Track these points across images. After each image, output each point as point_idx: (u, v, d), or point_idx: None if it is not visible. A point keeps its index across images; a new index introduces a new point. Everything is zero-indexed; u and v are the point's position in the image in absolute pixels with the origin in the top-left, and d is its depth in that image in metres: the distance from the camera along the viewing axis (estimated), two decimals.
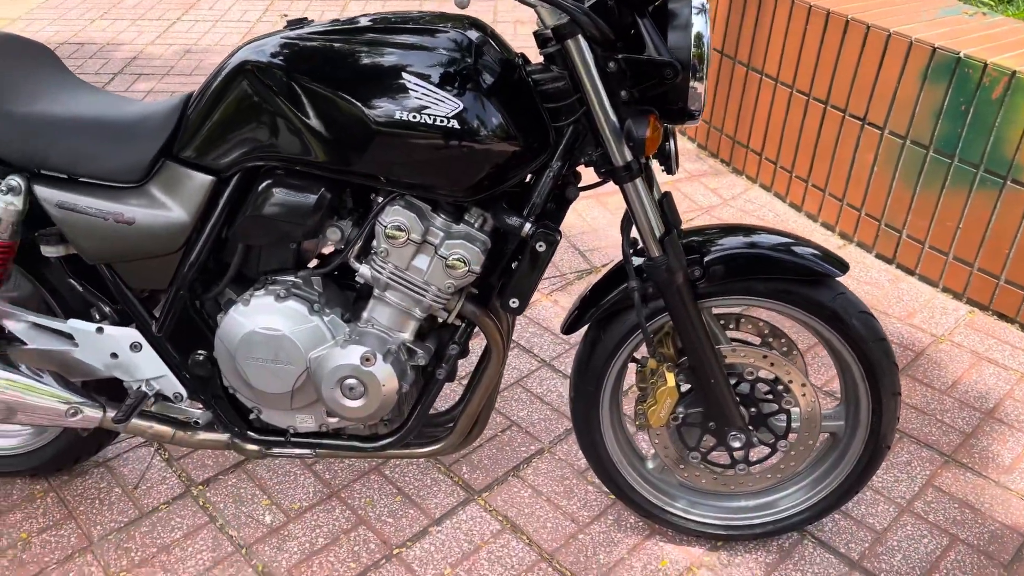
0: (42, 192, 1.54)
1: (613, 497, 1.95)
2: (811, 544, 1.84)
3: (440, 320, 1.59)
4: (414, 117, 1.37)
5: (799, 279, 1.56)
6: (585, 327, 1.66)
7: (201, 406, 1.70)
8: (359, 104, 1.38)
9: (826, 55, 2.85)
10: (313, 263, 1.66)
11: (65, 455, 1.90)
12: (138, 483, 1.98)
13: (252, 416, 1.71)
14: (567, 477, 2.02)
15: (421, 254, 1.50)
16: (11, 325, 1.62)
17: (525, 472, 2.03)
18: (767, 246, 1.56)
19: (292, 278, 1.57)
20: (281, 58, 1.43)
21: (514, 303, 1.54)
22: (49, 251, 1.61)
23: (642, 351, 1.72)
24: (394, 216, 1.46)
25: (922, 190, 2.67)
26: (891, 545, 1.85)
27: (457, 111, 1.36)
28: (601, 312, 1.62)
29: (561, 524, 1.90)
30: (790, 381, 1.63)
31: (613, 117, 1.41)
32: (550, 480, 2.01)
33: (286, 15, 5.32)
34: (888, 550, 1.84)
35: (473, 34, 1.43)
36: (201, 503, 1.93)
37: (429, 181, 1.42)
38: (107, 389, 1.74)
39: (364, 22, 1.47)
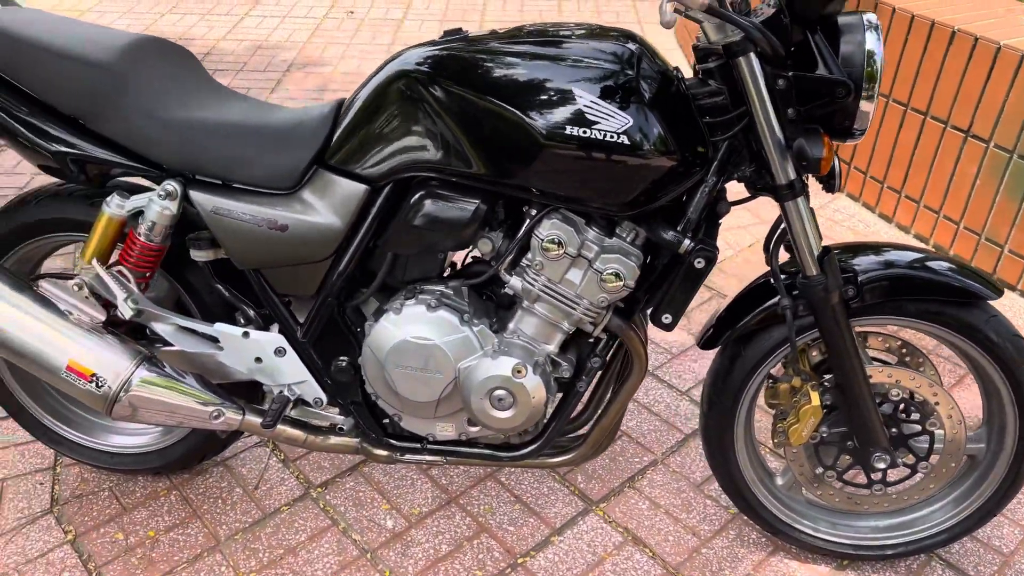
0: (198, 197, 1.55)
1: (733, 512, 1.94)
2: (939, 566, 1.82)
3: (586, 333, 1.58)
4: (584, 132, 1.36)
5: (952, 301, 1.54)
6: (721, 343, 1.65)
7: (338, 411, 1.71)
8: (528, 118, 1.38)
9: (928, 66, 2.81)
10: (445, 271, 1.66)
11: (193, 454, 1.92)
12: (257, 484, 2.00)
13: (386, 422, 1.72)
14: (683, 490, 2.01)
15: (575, 267, 1.49)
16: (158, 327, 1.64)
17: (641, 483, 2.02)
18: (922, 266, 1.54)
19: (441, 288, 1.58)
20: (444, 69, 1.43)
21: (667, 319, 1.53)
22: (199, 255, 1.63)
23: (778, 368, 1.70)
24: (551, 229, 1.46)
25: None
26: (1019, 568, 1.82)
27: (627, 126, 1.36)
28: (744, 328, 1.61)
29: (683, 538, 1.89)
30: (936, 403, 1.61)
31: (780, 135, 1.40)
32: (667, 492, 2.00)
33: (352, 11, 5.34)
34: (1016, 573, 1.81)
35: (633, 46, 1.42)
36: (322, 506, 1.95)
37: (591, 195, 1.42)
38: (239, 391, 1.76)
39: (523, 34, 1.47)
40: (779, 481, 1.81)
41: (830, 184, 1.49)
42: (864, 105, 1.38)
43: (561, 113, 1.37)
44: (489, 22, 5.20)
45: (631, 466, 2.07)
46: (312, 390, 1.68)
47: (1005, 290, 2.73)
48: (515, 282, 1.53)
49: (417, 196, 1.50)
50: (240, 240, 1.56)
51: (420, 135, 1.45)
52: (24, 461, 2.05)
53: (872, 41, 1.37)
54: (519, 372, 1.51)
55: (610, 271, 1.47)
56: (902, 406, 1.63)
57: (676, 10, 1.33)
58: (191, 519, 1.91)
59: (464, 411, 1.62)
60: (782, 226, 1.54)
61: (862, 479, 1.71)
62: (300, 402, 1.69)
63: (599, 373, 1.66)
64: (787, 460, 1.71)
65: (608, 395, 1.71)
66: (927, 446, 1.66)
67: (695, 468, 2.07)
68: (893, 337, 1.68)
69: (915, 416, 1.64)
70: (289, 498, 1.97)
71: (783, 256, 1.56)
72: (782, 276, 1.54)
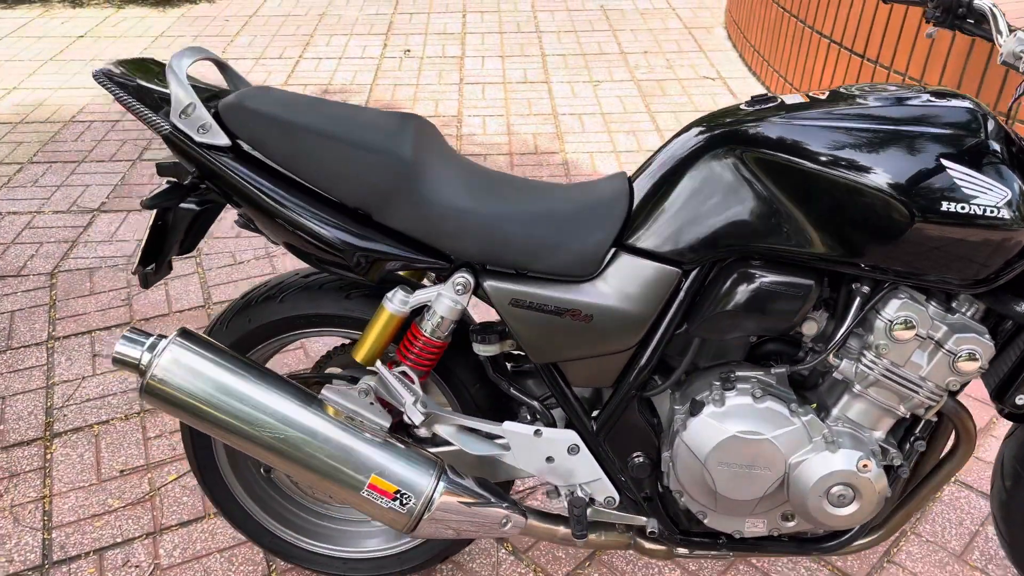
0: (493, 288, 1.42)
1: None
2: None
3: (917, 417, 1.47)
4: (963, 208, 1.26)
5: None
6: None
7: (636, 510, 1.58)
8: (892, 193, 1.26)
9: None
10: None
11: (436, 555, 1.77)
12: None
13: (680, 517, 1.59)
14: (946, 562, 1.89)
15: (919, 349, 1.38)
16: (442, 429, 1.50)
17: (899, 557, 1.91)
18: None
19: (759, 375, 1.46)
20: (775, 141, 1.32)
21: (1020, 399, 1.42)
22: (484, 350, 1.50)
23: None
24: (901, 310, 1.35)
25: None
26: None
27: (1007, 198, 1.25)
28: None
29: None
30: None
31: None
32: (930, 566, 1.88)
33: (409, 50, 5.23)
34: None
35: (974, 106, 1.32)
36: None
37: (949, 272, 1.31)
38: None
39: (850, 99, 1.36)
40: None
41: None
42: None
43: (934, 188, 1.26)
44: (549, 55, 5.11)
45: None
46: (604, 489, 1.54)
47: None
48: (846, 367, 1.41)
49: (737, 276, 1.38)
50: (540, 332, 1.43)
51: (747, 213, 1.34)
52: (235, 568, 1.88)
53: None
54: (864, 466, 1.39)
55: (965, 352, 1.35)
56: None
57: None
58: None
59: (782, 507, 1.49)
60: None
61: None
62: (592, 502, 1.56)
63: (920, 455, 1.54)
64: None
65: (919, 478, 1.59)
66: None
67: (949, 536, 1.95)
68: None
69: None
70: None
71: None
72: None
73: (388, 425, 1.47)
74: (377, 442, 1.43)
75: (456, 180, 1.44)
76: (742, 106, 1.44)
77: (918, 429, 1.48)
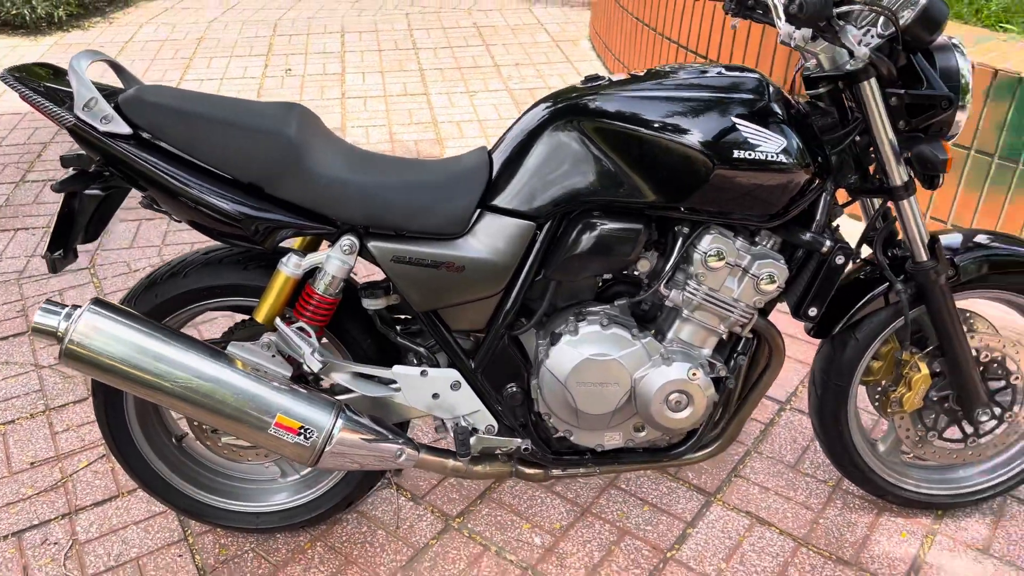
0: (377, 248, 1.65)
1: (831, 484, 2.17)
2: (1015, 503, 2.11)
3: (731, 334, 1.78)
4: (750, 155, 1.57)
5: None
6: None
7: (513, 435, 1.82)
8: (696, 147, 1.57)
9: None
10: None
11: (343, 502, 1.97)
12: (398, 524, 2.06)
13: (553, 438, 1.85)
14: (783, 472, 2.22)
15: (731, 276, 1.69)
16: (339, 376, 1.71)
17: (745, 471, 2.22)
18: (1007, 246, 1.83)
19: (605, 308, 1.73)
20: (606, 110, 1.61)
21: (812, 312, 1.75)
22: (373, 304, 1.72)
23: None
24: (712, 244, 1.65)
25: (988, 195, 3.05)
26: None
27: (784, 146, 1.58)
28: (859, 314, 1.84)
29: (799, 513, 2.10)
30: (1020, 360, 1.90)
31: (895, 144, 1.65)
32: (770, 476, 2.21)
33: (290, 69, 5.38)
34: None
35: (759, 76, 1.65)
36: (467, 534, 2.04)
37: (746, 210, 1.62)
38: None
39: (662, 76, 1.67)
40: (881, 448, 2.06)
41: (933, 181, 1.75)
42: (959, 115, 1.66)
43: (726, 140, 1.57)
44: (427, 70, 5.37)
45: (730, 458, 2.27)
46: (485, 418, 1.79)
47: None
48: (675, 295, 1.71)
49: (582, 226, 1.65)
50: (419, 284, 1.67)
51: (586, 172, 1.61)
52: (152, 537, 2.02)
53: (962, 60, 1.65)
54: (694, 375, 1.69)
55: (765, 275, 1.67)
56: (993, 366, 1.91)
57: (814, 37, 1.57)
58: (346, 567, 1.95)
59: (633, 419, 1.77)
60: (886, 222, 1.80)
61: (958, 435, 1.98)
62: (473, 431, 1.79)
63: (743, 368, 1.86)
64: (896, 426, 1.95)
65: (744, 390, 1.90)
66: (1010, 398, 1.95)
67: (785, 452, 2.29)
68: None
69: (999, 372, 1.92)
70: (433, 532, 2.04)
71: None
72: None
73: (289, 375, 1.67)
74: (281, 388, 1.63)
75: (338, 155, 1.66)
76: (578, 84, 1.72)
77: (739, 347, 1.80)
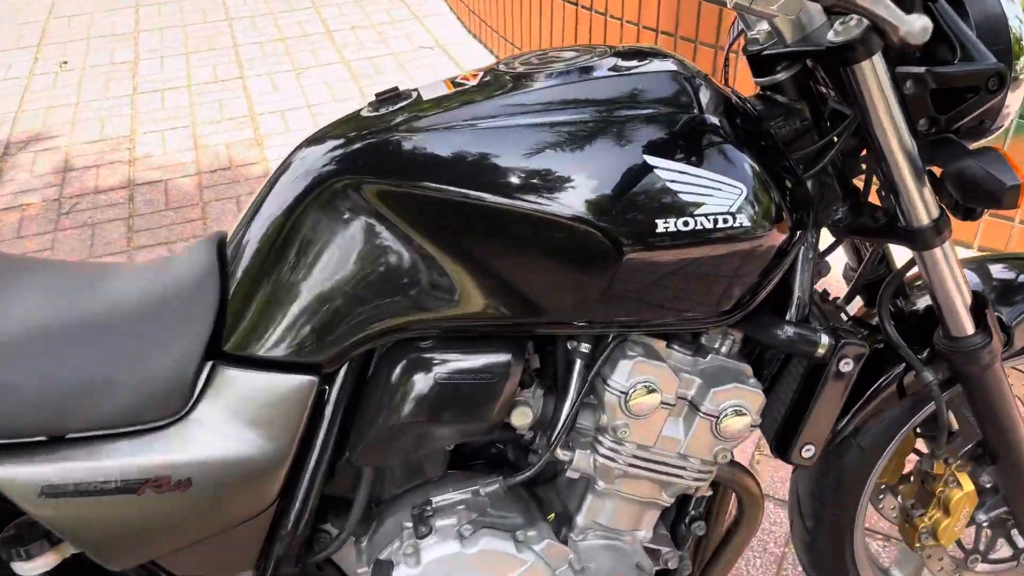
0: (8, 479, 0.85)
1: None
2: None
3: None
4: (686, 224, 0.84)
5: None
6: None
7: None
8: (588, 219, 0.83)
9: None
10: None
11: None
12: None
13: None
14: None
15: (671, 418, 0.98)
16: None
17: None
18: None
19: (462, 497, 1.00)
20: (401, 161, 0.86)
21: (808, 451, 1.05)
22: (30, 568, 0.91)
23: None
24: (635, 374, 0.93)
25: None
26: None
27: (740, 196, 0.86)
28: (861, 414, 1.17)
29: None
30: None
31: (917, 157, 0.95)
32: None
33: (66, 61, 4.31)
34: None
35: (675, 67, 0.92)
36: None
37: (686, 310, 0.91)
38: None
39: (515, 81, 0.91)
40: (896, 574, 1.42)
41: (972, 212, 1.06)
42: (1011, 96, 0.97)
43: (640, 202, 0.84)
44: (242, 45, 4.41)
45: None
46: None
47: None
48: (581, 461, 0.98)
49: (402, 368, 0.91)
50: (105, 526, 0.88)
51: (390, 277, 0.87)
52: None
53: (1007, 2, 0.95)
54: None
55: (731, 409, 0.96)
56: None
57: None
58: None
59: None
60: (894, 274, 1.12)
61: (1006, 551, 1.35)
62: None
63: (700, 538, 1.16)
64: (924, 559, 1.31)
65: (707, 556, 1.21)
66: None
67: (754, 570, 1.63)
68: None
69: None
70: None
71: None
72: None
73: None
74: None
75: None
76: (363, 111, 0.95)
77: (691, 508, 1.10)
